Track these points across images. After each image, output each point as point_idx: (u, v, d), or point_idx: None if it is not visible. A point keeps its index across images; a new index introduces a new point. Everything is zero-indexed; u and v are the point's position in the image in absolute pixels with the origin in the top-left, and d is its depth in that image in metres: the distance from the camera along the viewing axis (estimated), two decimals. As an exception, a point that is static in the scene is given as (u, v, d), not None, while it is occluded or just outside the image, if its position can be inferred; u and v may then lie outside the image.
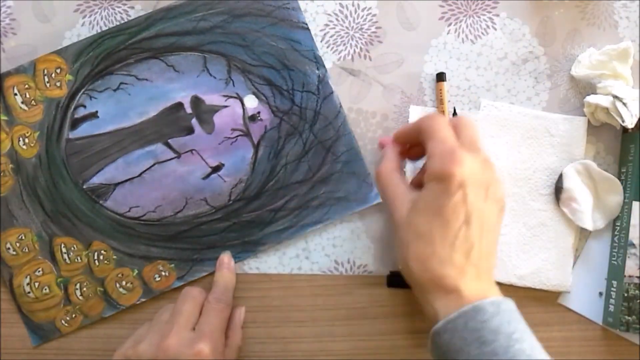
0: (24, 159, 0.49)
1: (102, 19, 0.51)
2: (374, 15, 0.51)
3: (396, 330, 0.50)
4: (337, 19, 0.51)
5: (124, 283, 0.49)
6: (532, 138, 0.50)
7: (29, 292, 0.49)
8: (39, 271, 0.49)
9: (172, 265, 0.49)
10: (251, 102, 0.50)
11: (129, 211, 0.49)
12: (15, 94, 0.49)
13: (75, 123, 0.49)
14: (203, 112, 0.50)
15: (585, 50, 0.51)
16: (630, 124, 0.48)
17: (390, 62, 0.51)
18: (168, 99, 0.50)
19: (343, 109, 0.50)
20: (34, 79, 0.49)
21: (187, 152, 0.50)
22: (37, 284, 0.49)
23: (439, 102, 0.50)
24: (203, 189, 0.49)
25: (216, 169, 0.50)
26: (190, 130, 0.50)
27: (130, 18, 0.50)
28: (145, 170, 0.49)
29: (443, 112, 0.50)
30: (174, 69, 0.50)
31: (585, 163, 0.49)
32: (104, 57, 0.49)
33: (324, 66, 0.50)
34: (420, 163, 0.47)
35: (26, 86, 0.49)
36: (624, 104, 0.47)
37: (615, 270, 0.49)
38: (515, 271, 0.49)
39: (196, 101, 0.50)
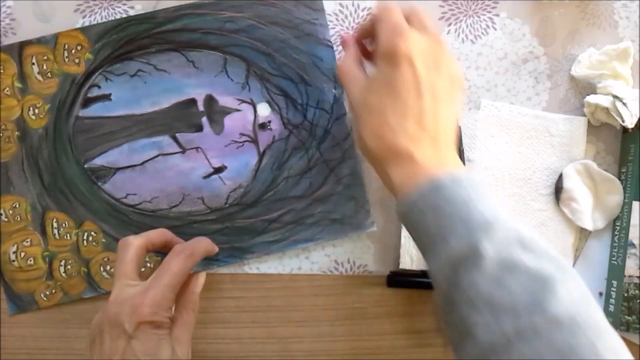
0: (31, 128, 0.49)
1: (102, 19, 0.51)
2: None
3: (396, 330, 0.50)
4: (337, 19, 0.51)
5: (108, 268, 0.49)
6: (532, 138, 0.50)
7: (13, 261, 0.49)
8: (27, 241, 0.49)
9: (159, 257, 0.49)
10: (264, 110, 0.50)
11: (125, 197, 0.49)
12: (33, 64, 0.49)
13: (87, 102, 0.49)
14: (215, 112, 0.50)
15: (585, 50, 0.51)
16: (630, 124, 0.48)
17: (390, 62, 0.51)
18: (182, 94, 0.50)
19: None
20: (53, 51, 0.49)
21: (192, 148, 0.50)
22: (23, 254, 0.49)
23: (439, 102, 0.50)
24: (202, 188, 0.50)
25: (218, 170, 0.50)
26: (199, 128, 0.50)
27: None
28: (148, 160, 0.49)
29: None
30: (193, 65, 0.50)
31: (585, 163, 0.49)
32: (127, 42, 0.49)
33: (341, 87, 0.50)
34: None
35: (45, 57, 0.49)
36: (624, 103, 0.47)
37: (615, 270, 0.49)
38: (515, 271, 0.49)
39: (210, 100, 0.50)
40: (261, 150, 0.50)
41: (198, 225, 0.49)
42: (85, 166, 0.49)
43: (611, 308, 0.48)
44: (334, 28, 0.51)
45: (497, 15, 0.51)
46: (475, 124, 0.50)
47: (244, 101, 0.50)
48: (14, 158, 0.49)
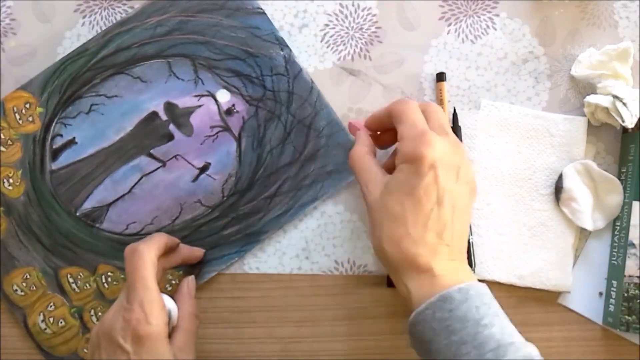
0: (12, 199, 0.49)
1: (102, 19, 0.51)
2: (374, 15, 0.51)
3: (396, 330, 0.50)
4: (337, 19, 0.51)
5: None
6: (532, 138, 0.50)
7: (45, 329, 0.49)
8: (51, 306, 0.49)
9: (180, 272, 0.49)
10: (224, 97, 0.50)
11: (126, 229, 0.49)
12: None
13: (56, 153, 0.49)
14: (178, 116, 0.50)
15: (585, 50, 0.51)
16: (630, 124, 0.48)
17: (390, 62, 0.51)
18: (142, 111, 0.50)
19: (315, 84, 0.50)
20: (5, 118, 0.49)
21: (171, 158, 0.49)
22: (51, 319, 0.49)
23: (439, 102, 0.50)
24: (195, 192, 0.49)
25: (203, 169, 0.50)
26: (170, 137, 0.50)
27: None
28: (134, 185, 0.49)
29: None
30: (140, 80, 0.50)
31: (585, 163, 0.49)
32: (70, 83, 0.49)
33: (287, 46, 0.50)
34: (391, 150, 0.48)
35: None
36: (624, 104, 0.47)
37: (615, 270, 0.49)
38: (515, 271, 0.49)
39: (169, 107, 0.50)
40: (236, 134, 0.50)
41: (205, 228, 0.49)
42: (77, 214, 0.49)
43: (611, 308, 0.48)
44: (334, 28, 0.51)
45: (497, 15, 0.51)
46: (475, 124, 0.50)
47: (202, 95, 0.50)
48: (7, 234, 0.49)
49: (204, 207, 0.49)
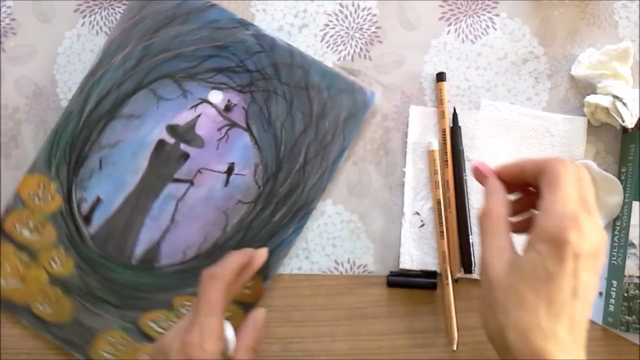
0: (66, 277, 0.49)
1: (102, 18, 0.51)
2: (374, 15, 0.51)
3: (396, 330, 0.50)
4: (337, 19, 0.51)
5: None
6: (532, 138, 0.50)
7: None
8: (143, 355, 0.49)
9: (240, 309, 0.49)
10: (216, 97, 0.50)
11: (184, 256, 0.49)
12: (21, 230, 0.49)
13: (88, 218, 0.49)
14: (184, 133, 0.50)
15: (585, 50, 0.51)
16: (630, 124, 0.48)
17: (390, 62, 0.51)
18: (148, 144, 0.50)
19: (293, 45, 0.50)
20: (26, 207, 0.49)
21: (196, 175, 0.50)
22: None
23: (439, 102, 0.50)
24: (232, 194, 0.49)
25: (229, 170, 0.50)
26: (185, 156, 0.50)
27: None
28: (173, 214, 0.49)
29: (443, 112, 0.50)
30: (134, 117, 0.50)
31: (585, 163, 0.49)
32: (71, 148, 0.49)
33: (250, 23, 0.50)
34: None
35: (24, 219, 0.49)
36: (624, 104, 0.47)
37: (615, 270, 0.49)
38: (515, 271, 0.49)
39: (172, 129, 0.50)
40: (244, 125, 0.50)
41: (256, 223, 0.49)
42: (134, 263, 0.49)
43: (611, 308, 0.48)
44: (334, 28, 0.51)
45: (497, 15, 0.51)
46: (475, 124, 0.50)
47: (195, 105, 0.50)
48: (76, 311, 0.49)
49: (247, 204, 0.49)
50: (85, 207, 0.49)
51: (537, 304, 0.34)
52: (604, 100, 0.48)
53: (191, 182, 0.49)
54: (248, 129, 0.50)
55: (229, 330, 0.42)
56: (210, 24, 0.50)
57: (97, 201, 0.49)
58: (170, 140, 0.50)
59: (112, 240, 0.49)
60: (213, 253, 0.49)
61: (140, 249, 0.49)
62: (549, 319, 0.34)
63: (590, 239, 0.34)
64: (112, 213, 0.49)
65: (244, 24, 0.50)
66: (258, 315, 0.44)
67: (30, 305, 0.49)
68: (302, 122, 0.50)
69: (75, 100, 0.49)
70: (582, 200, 0.35)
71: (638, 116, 0.48)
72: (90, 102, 0.49)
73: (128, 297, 0.49)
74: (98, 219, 0.49)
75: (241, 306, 0.49)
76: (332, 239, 0.50)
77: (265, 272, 0.49)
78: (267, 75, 0.50)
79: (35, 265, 0.49)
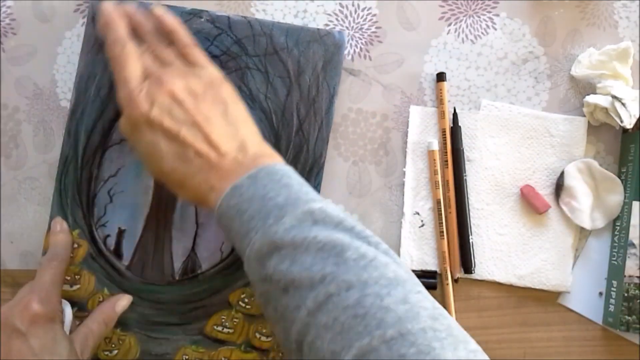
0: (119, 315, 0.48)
1: (102, 19, 0.51)
2: (374, 15, 0.51)
3: (396, 330, 0.50)
4: (337, 19, 0.51)
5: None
6: (532, 138, 0.50)
7: None
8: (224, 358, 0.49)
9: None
10: None
11: (222, 253, 0.49)
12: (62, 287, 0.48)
13: (117, 252, 0.49)
14: None
15: (585, 50, 0.51)
16: (628, 124, 0.48)
17: (390, 62, 0.51)
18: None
19: (247, 16, 0.50)
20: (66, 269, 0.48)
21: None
22: None
23: (439, 102, 0.50)
24: None
25: None
26: None
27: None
28: (196, 218, 0.49)
29: (443, 112, 0.50)
30: (125, 139, 0.48)
31: (587, 161, 0.49)
32: (78, 192, 0.49)
33: (202, 10, 0.49)
34: None
35: (68, 278, 0.48)
36: (623, 104, 0.47)
37: (615, 270, 0.49)
38: (515, 271, 0.49)
39: None
40: None
41: None
42: (177, 278, 0.48)
43: (611, 308, 0.48)
44: (334, 28, 0.51)
45: (497, 15, 0.51)
46: (475, 124, 0.50)
47: None
48: (142, 344, 0.48)
49: None
50: (112, 242, 0.49)
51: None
52: (603, 101, 0.48)
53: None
54: None
55: (66, 304, 0.45)
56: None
57: (120, 232, 0.49)
58: None
59: (148, 264, 0.49)
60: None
61: (177, 263, 0.49)
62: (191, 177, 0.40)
63: (160, 108, 0.41)
64: (139, 238, 0.49)
65: (195, 13, 0.49)
66: (124, 300, 0.47)
67: (98, 355, 0.48)
68: (283, 86, 0.49)
69: (67, 145, 0.49)
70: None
71: (637, 116, 0.48)
72: (80, 141, 0.49)
73: (185, 312, 0.48)
74: (127, 249, 0.49)
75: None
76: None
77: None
78: (234, 54, 0.49)
79: (86, 315, 0.47)
